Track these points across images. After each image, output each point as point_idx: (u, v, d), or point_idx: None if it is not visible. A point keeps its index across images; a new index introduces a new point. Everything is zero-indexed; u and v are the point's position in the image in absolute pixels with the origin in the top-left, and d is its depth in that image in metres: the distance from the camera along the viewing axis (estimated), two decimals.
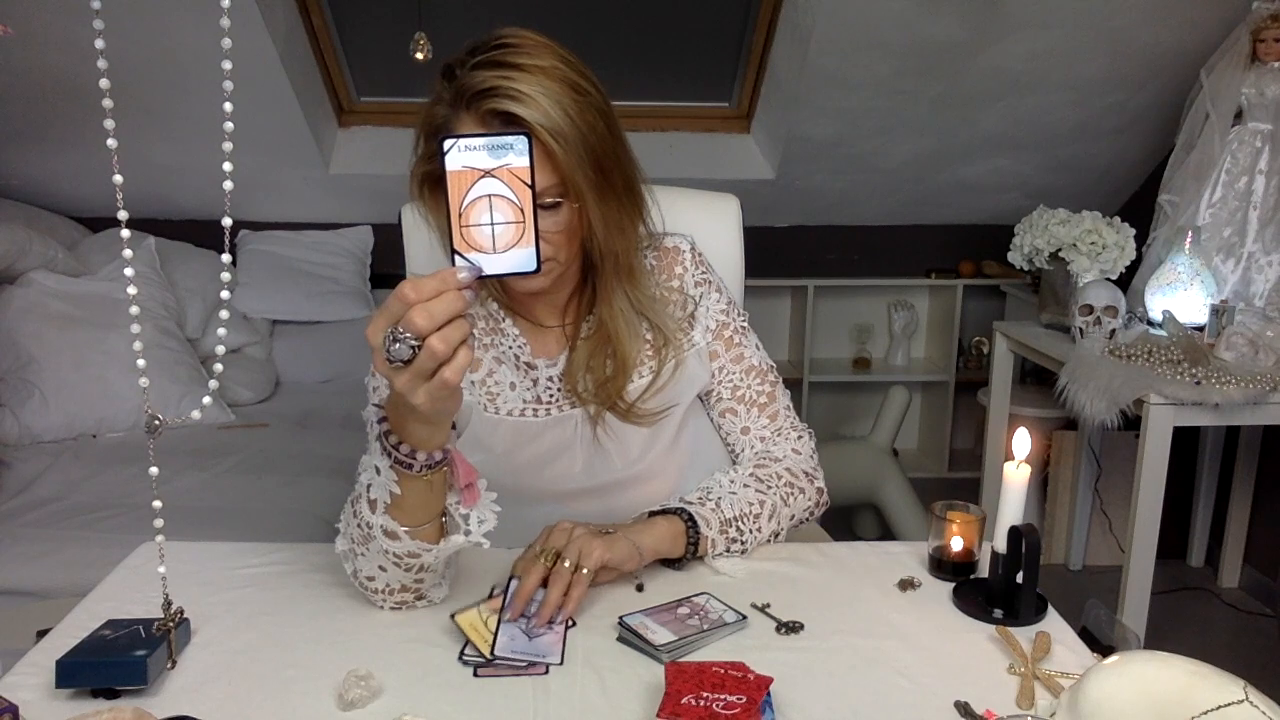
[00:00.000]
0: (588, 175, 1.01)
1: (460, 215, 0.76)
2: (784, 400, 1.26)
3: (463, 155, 0.76)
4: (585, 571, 0.97)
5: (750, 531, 1.12)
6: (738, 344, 1.24)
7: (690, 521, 1.08)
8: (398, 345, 0.76)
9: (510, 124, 0.98)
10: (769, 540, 1.15)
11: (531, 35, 1.03)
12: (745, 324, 1.26)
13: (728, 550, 1.11)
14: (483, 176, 0.76)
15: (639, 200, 1.13)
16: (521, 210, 0.77)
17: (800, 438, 1.25)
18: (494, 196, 0.77)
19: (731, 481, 1.16)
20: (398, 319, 0.76)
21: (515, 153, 0.76)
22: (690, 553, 1.08)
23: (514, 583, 0.96)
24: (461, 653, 0.91)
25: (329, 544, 1.02)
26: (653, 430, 1.18)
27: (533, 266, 0.79)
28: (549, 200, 1.02)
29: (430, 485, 0.90)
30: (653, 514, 1.10)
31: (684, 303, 1.22)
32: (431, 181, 1.08)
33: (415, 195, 1.09)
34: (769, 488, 1.17)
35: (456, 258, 0.77)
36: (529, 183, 0.77)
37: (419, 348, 0.76)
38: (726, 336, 1.24)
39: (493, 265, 0.78)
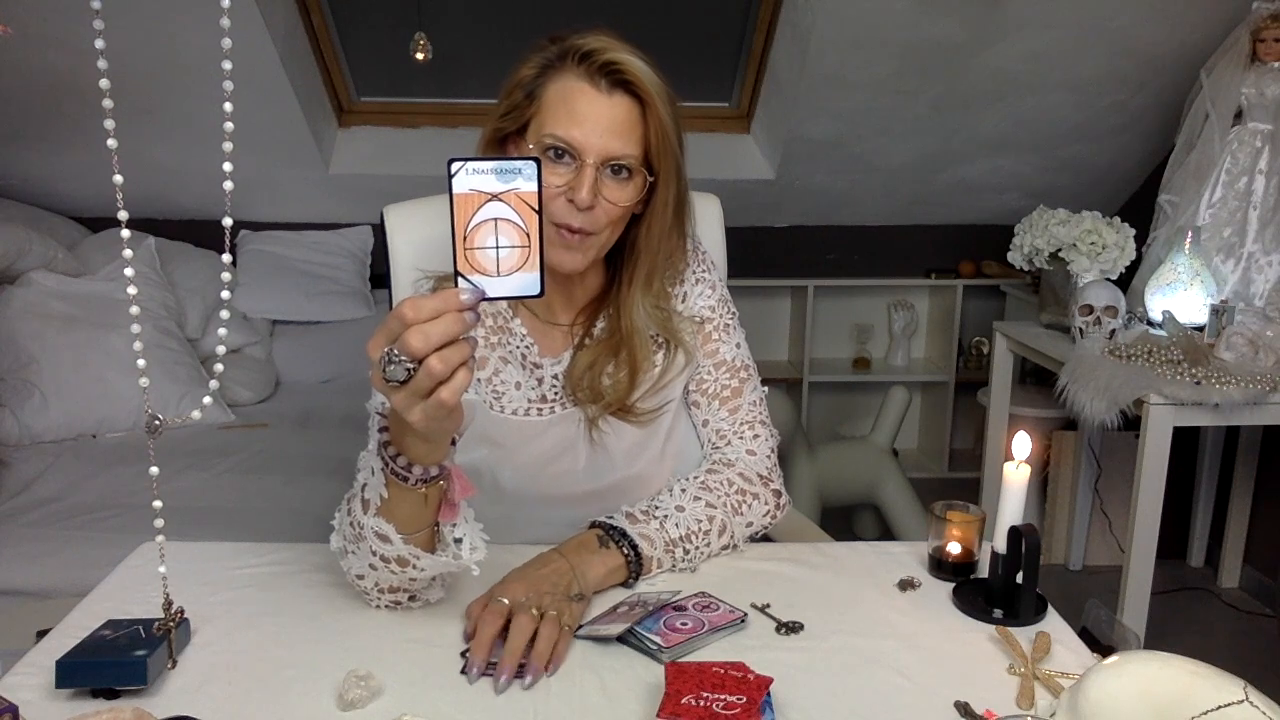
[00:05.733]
0: (672, 151, 1.08)
1: (465, 238, 0.76)
2: (751, 397, 1.24)
3: (470, 178, 0.75)
4: (566, 629, 0.93)
5: (698, 549, 1.10)
6: (715, 339, 1.23)
7: (633, 550, 1.06)
8: (393, 366, 0.75)
9: (620, 84, 1.04)
10: (720, 552, 1.14)
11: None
12: (731, 321, 1.25)
13: (674, 568, 1.09)
14: (489, 200, 0.76)
15: (685, 220, 1.17)
16: (527, 235, 0.77)
17: (757, 437, 1.23)
18: (500, 220, 0.76)
19: (683, 492, 1.14)
20: (396, 337, 0.76)
21: (524, 177, 0.76)
22: (633, 578, 1.06)
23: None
24: (464, 653, 0.91)
25: (329, 544, 1.02)
26: (648, 429, 1.19)
27: (536, 290, 0.78)
28: (618, 167, 1.06)
29: (425, 499, 0.90)
30: (592, 528, 1.08)
31: (682, 294, 1.24)
32: (497, 143, 1.12)
33: (479, 151, 1.13)
34: (718, 498, 1.15)
35: (460, 280, 0.77)
36: (536, 208, 0.77)
37: (415, 369, 0.76)
38: (706, 332, 1.23)
39: (496, 288, 0.77)
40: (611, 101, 1.05)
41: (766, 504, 1.19)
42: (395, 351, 0.75)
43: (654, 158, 1.08)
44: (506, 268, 0.77)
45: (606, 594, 1.04)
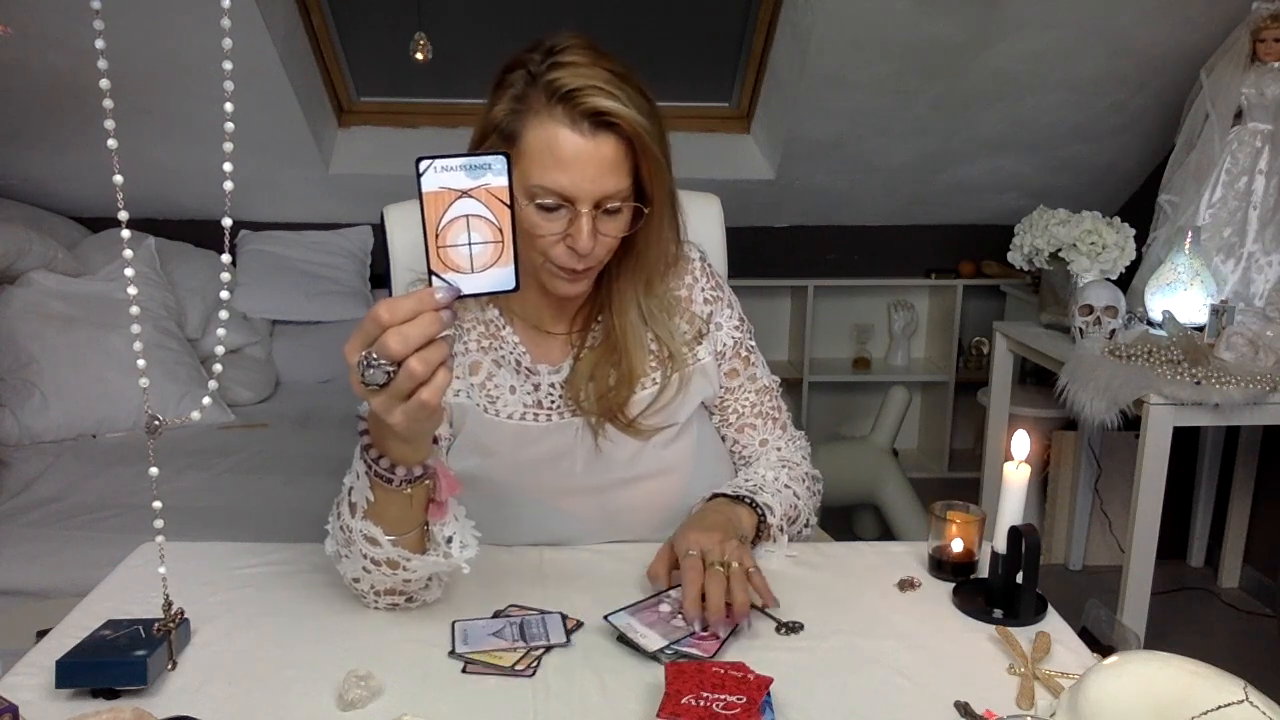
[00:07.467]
0: (663, 176, 1.05)
1: (437, 236, 0.75)
2: (788, 413, 1.30)
3: (439, 176, 0.75)
4: (753, 569, 0.99)
5: (789, 533, 1.16)
6: (753, 363, 1.26)
7: (760, 514, 1.12)
8: (372, 370, 0.75)
9: (605, 124, 0.99)
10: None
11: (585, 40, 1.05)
12: (753, 341, 1.28)
13: (774, 543, 1.14)
14: (460, 197, 0.75)
15: (678, 214, 1.16)
16: (500, 230, 0.76)
17: (804, 445, 1.30)
18: (471, 216, 0.76)
19: (775, 480, 1.20)
20: (372, 340, 0.75)
21: (494, 173, 0.75)
22: (756, 540, 1.13)
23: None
24: (453, 650, 0.91)
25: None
26: (652, 440, 1.18)
27: (511, 285, 0.78)
28: (613, 206, 1.03)
29: (410, 500, 0.90)
30: (716, 496, 1.14)
31: (690, 317, 1.22)
32: None
33: None
34: (802, 489, 1.22)
35: (434, 278, 0.76)
36: (508, 202, 0.76)
37: (394, 372, 0.75)
38: (743, 356, 1.25)
39: (471, 285, 0.77)
40: (597, 143, 1.00)
41: (818, 500, 1.27)
42: (373, 355, 0.75)
43: (646, 186, 1.06)
44: (480, 264, 0.77)
45: (625, 591, 1.04)
